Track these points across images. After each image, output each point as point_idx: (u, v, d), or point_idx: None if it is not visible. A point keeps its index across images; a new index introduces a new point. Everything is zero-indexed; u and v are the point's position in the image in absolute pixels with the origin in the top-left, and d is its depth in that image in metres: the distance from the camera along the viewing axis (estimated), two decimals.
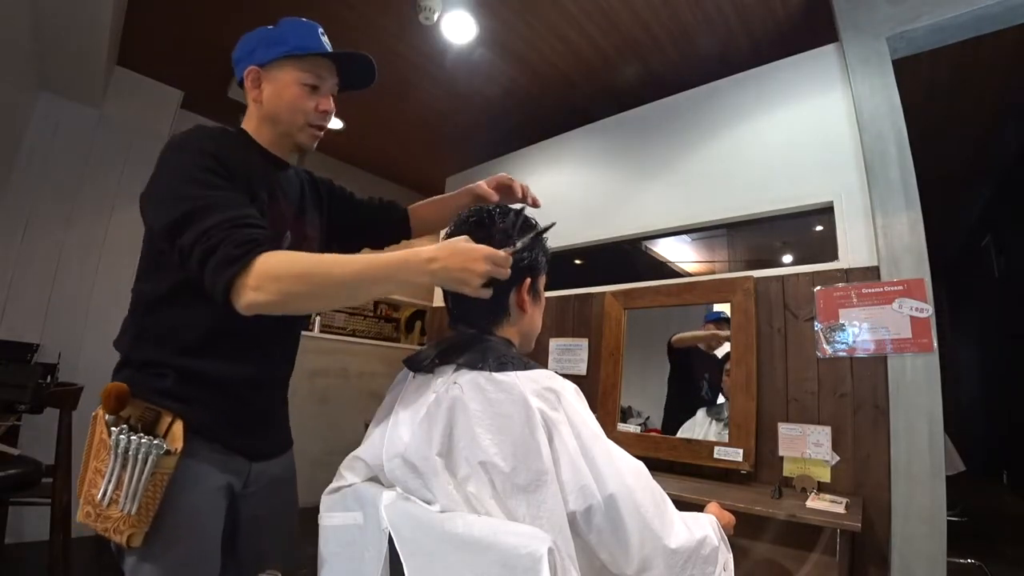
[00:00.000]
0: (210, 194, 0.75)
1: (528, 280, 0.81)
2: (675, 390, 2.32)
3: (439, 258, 0.71)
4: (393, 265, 0.72)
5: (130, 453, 0.73)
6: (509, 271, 0.74)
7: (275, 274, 0.69)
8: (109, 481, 0.74)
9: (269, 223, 0.84)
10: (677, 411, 2.25)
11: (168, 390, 0.80)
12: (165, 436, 0.77)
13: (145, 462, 0.73)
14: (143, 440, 0.73)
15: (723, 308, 2.15)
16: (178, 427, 0.77)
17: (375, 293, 0.77)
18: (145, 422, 0.77)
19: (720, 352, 2.22)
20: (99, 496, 0.74)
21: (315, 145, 0.96)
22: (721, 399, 2.16)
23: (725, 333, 2.16)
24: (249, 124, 0.95)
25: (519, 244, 0.76)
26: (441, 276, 0.72)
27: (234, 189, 0.79)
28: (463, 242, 0.74)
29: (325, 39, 0.92)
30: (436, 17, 2.22)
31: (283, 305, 0.71)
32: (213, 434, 0.82)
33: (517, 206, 0.88)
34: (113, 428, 0.75)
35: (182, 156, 0.80)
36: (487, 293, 0.74)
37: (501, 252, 0.73)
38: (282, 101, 0.90)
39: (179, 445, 0.76)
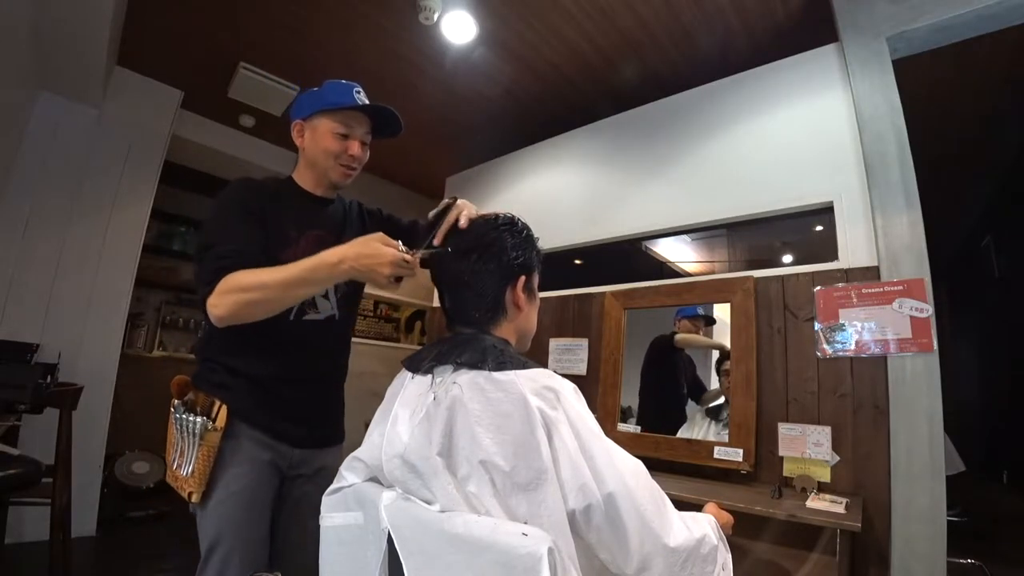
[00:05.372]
0: (221, 231, 0.97)
1: (523, 278, 0.81)
2: (656, 386, 2.35)
3: (346, 260, 0.85)
4: (308, 268, 0.88)
5: (184, 427, 0.97)
6: (415, 271, 0.86)
7: (226, 289, 0.88)
8: (176, 449, 0.99)
9: (304, 248, 1.02)
10: (661, 407, 2.29)
11: (218, 381, 1.02)
12: (216, 418, 0.97)
13: (195, 435, 0.95)
14: (191, 418, 0.96)
15: (723, 308, 2.15)
16: (223, 411, 0.97)
17: (303, 292, 0.94)
18: (204, 406, 1.00)
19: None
20: (171, 461, 1.00)
21: (348, 182, 1.14)
22: (693, 404, 2.23)
23: (706, 340, 2.25)
24: (297, 171, 1.16)
25: (422, 252, 0.86)
26: (351, 275, 0.88)
27: (249, 225, 0.99)
28: (374, 241, 0.85)
29: (360, 96, 1.10)
30: (436, 17, 2.22)
31: (239, 313, 0.89)
32: (251, 418, 1.01)
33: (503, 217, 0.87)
34: (172, 409, 1.00)
35: (218, 201, 1.04)
36: (395, 287, 0.89)
37: (408, 256, 0.84)
38: (318, 147, 1.09)
39: (222, 424, 0.96)
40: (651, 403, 2.30)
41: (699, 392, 2.24)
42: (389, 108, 1.11)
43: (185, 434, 0.96)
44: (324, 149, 1.08)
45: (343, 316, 1.15)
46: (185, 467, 0.96)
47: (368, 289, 1.29)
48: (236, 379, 1.02)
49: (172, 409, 1.00)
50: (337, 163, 1.10)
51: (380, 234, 0.87)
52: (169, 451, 1.01)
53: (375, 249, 0.85)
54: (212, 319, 0.89)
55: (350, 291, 1.16)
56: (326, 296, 1.10)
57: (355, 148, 1.10)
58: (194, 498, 0.96)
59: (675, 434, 2.13)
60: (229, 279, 0.88)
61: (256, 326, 0.95)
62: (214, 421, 0.96)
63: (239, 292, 0.88)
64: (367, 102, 1.10)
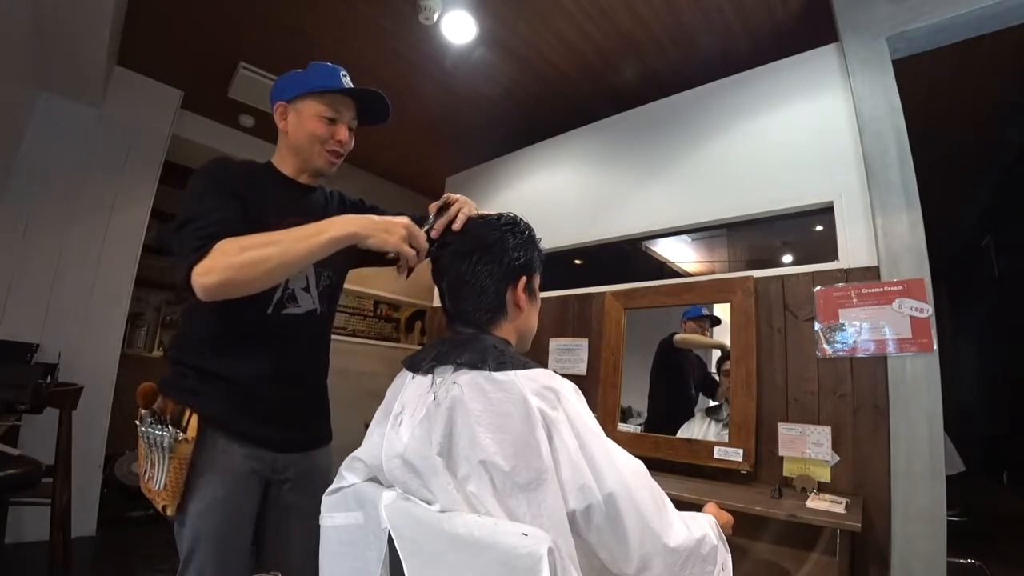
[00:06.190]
0: (199, 207, 0.88)
1: (523, 278, 0.81)
2: (663, 387, 2.35)
3: (365, 216, 0.86)
4: (322, 223, 0.84)
5: (152, 441, 0.90)
6: (425, 245, 0.86)
7: (223, 253, 0.80)
8: (147, 462, 0.92)
9: None
10: (668, 408, 2.29)
11: (188, 387, 0.94)
12: (186, 427, 0.90)
13: (163, 448, 0.89)
14: (159, 431, 0.89)
15: (723, 308, 2.15)
16: (194, 419, 0.91)
17: (310, 246, 0.83)
18: (174, 415, 0.92)
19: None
20: (142, 473, 0.94)
21: (333, 169, 1.09)
22: (707, 401, 2.21)
23: (706, 340, 2.24)
24: (277, 156, 1.10)
25: (427, 226, 0.89)
26: (367, 226, 0.84)
27: (230, 202, 0.91)
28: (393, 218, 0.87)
29: (347, 80, 1.06)
30: (436, 17, 2.22)
31: (235, 279, 0.79)
32: (226, 425, 0.94)
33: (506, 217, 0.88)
34: (137, 421, 0.93)
35: (194, 178, 0.95)
36: (411, 254, 0.86)
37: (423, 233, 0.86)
38: (303, 131, 1.04)
39: (193, 434, 0.90)
40: (659, 405, 2.31)
41: (713, 388, 2.24)
42: (378, 92, 1.06)
43: (154, 447, 0.90)
44: (310, 133, 1.03)
45: (324, 311, 1.09)
46: (157, 480, 0.90)
47: (368, 289, 1.29)
48: (208, 384, 0.94)
49: (138, 421, 0.93)
50: (323, 148, 1.04)
51: (406, 218, 0.88)
52: (140, 462, 0.95)
53: (392, 217, 0.87)
54: (199, 289, 0.79)
55: (332, 284, 1.10)
56: (307, 289, 1.05)
57: (342, 133, 1.05)
58: (169, 511, 0.91)
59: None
60: (225, 243, 0.81)
61: (231, 323, 0.92)
62: (184, 431, 0.90)
63: (240, 252, 0.80)
64: (352, 86, 1.07)
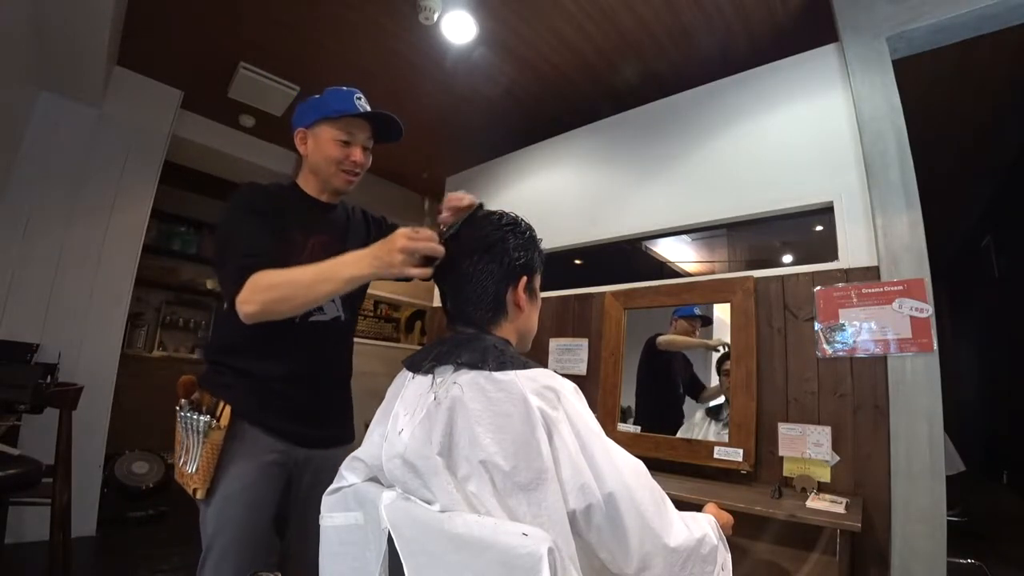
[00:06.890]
0: (238, 234, 1.00)
1: (524, 279, 0.81)
2: (650, 387, 2.35)
3: (371, 252, 0.89)
4: (338, 263, 0.91)
5: (189, 426, 1.00)
6: (435, 245, 0.82)
7: (255, 287, 0.91)
8: (182, 447, 1.02)
9: (310, 254, 1.07)
10: (657, 408, 2.30)
11: (223, 383, 1.05)
12: (220, 417, 1.00)
13: (199, 432, 0.99)
14: (195, 416, 0.99)
15: (723, 308, 2.15)
16: (227, 411, 1.01)
17: (330, 288, 0.91)
18: (209, 406, 1.03)
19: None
20: (178, 459, 1.03)
21: (350, 188, 1.18)
22: (692, 403, 2.22)
23: (689, 340, 2.26)
24: (300, 177, 1.20)
25: (447, 229, 0.84)
26: (375, 265, 0.88)
27: (261, 226, 1.02)
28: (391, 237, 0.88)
29: (361, 102, 1.13)
30: (436, 17, 2.22)
31: (268, 310, 0.92)
32: (256, 418, 1.04)
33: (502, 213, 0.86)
34: (178, 408, 1.04)
35: (230, 205, 1.07)
36: (423, 273, 0.84)
37: (421, 230, 0.85)
38: (321, 154, 1.13)
39: (226, 423, 1.00)
40: (647, 403, 2.31)
41: (698, 390, 2.24)
42: (390, 115, 1.13)
43: (190, 432, 1.00)
44: (326, 156, 1.11)
45: (347, 318, 1.18)
46: (190, 464, 1.00)
47: (368, 289, 1.30)
48: (242, 380, 1.04)
49: (178, 408, 1.03)
50: (339, 169, 1.13)
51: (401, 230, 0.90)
52: (176, 449, 1.04)
53: (388, 240, 0.88)
54: (242, 316, 0.92)
55: (354, 294, 1.17)
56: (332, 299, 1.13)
57: (357, 154, 1.13)
58: (199, 495, 0.99)
59: (672, 433, 2.13)
60: (257, 277, 0.92)
61: (264, 328, 0.99)
62: (218, 420, 1.00)
63: (267, 290, 0.91)
64: (368, 108, 1.13)
